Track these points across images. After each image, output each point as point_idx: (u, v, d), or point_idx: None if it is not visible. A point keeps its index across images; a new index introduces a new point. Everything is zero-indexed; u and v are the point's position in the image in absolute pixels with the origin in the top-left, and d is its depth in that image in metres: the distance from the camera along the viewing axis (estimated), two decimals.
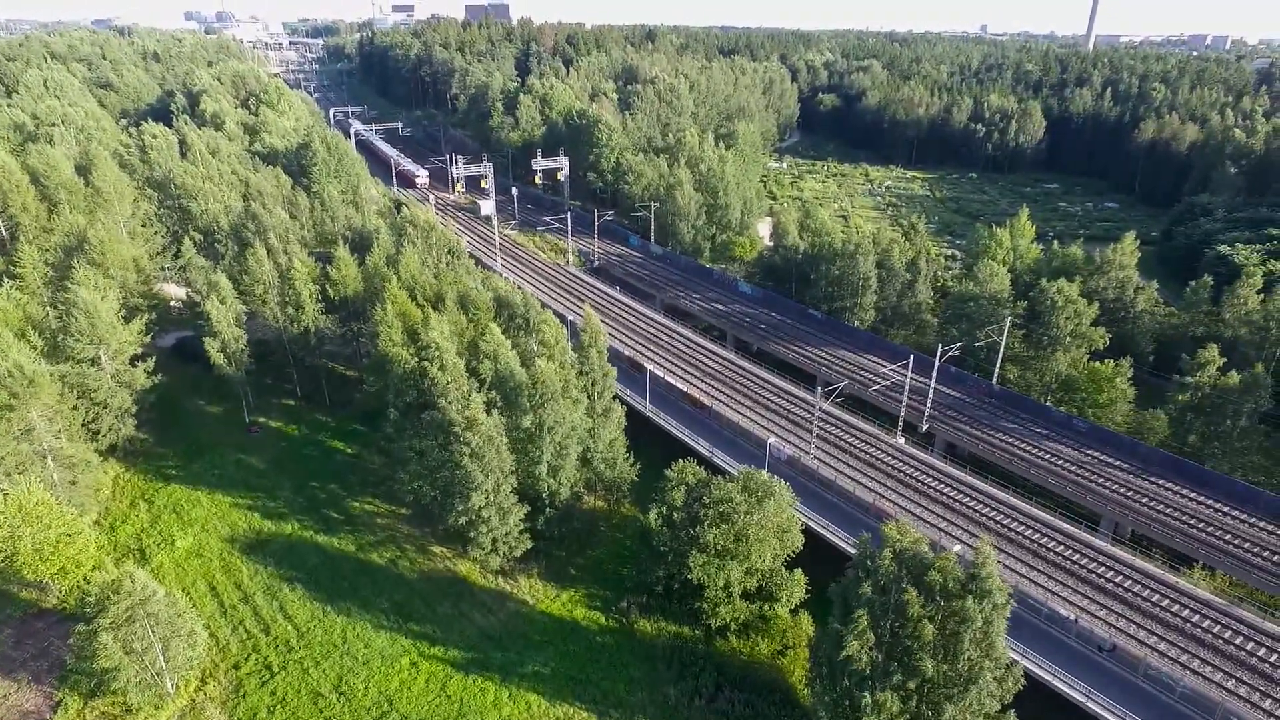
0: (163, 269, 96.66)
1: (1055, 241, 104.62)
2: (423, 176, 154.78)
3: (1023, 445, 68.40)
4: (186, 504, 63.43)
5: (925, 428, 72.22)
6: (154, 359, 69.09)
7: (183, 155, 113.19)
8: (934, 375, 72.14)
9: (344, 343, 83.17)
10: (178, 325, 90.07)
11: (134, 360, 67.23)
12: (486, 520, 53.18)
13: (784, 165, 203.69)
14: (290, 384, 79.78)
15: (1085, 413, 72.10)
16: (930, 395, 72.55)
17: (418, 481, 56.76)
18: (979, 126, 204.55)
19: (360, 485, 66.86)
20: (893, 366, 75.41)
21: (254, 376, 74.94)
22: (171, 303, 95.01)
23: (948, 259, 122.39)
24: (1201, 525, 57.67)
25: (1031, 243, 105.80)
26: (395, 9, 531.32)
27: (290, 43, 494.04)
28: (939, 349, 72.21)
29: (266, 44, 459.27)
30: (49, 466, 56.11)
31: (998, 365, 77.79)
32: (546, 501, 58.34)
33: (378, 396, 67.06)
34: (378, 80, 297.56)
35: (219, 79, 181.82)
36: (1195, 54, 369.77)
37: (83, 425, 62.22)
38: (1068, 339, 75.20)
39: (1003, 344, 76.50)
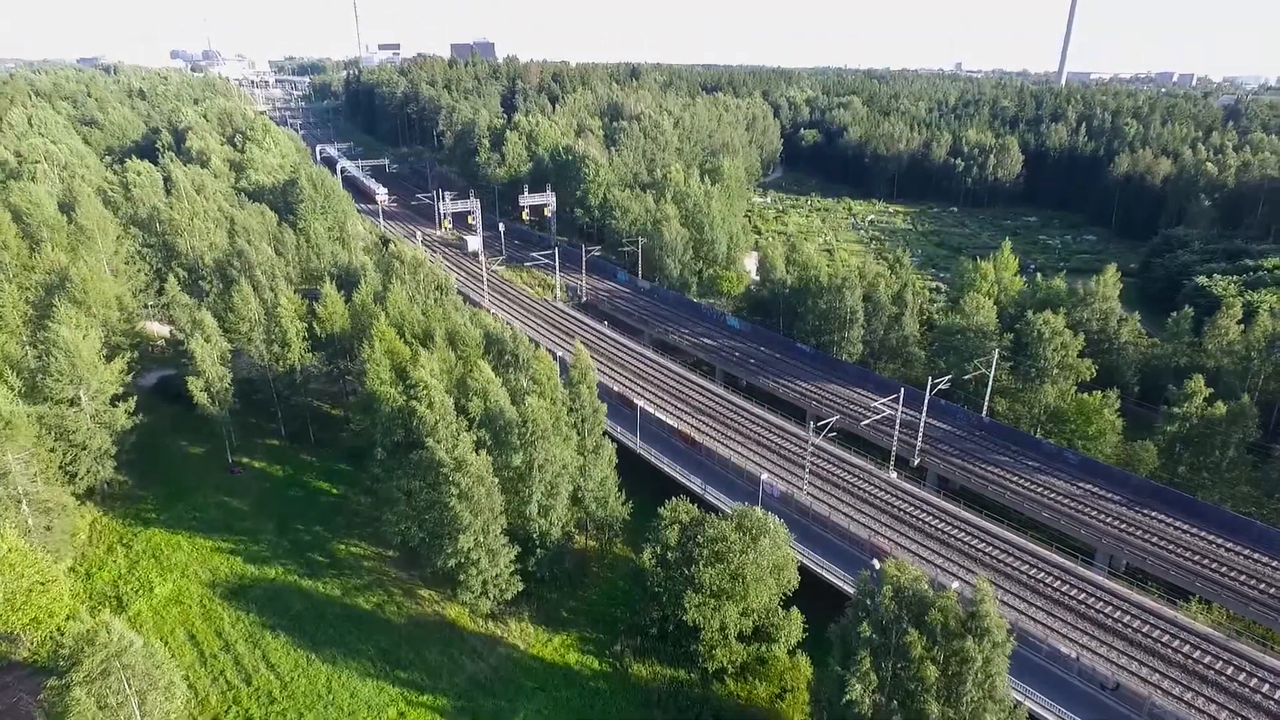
0: (145, 306, 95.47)
1: (1039, 274, 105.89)
2: (382, 193, 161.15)
3: (1015, 478, 68.24)
4: (166, 548, 61.74)
5: (918, 461, 72.00)
6: (135, 399, 67.68)
7: (167, 192, 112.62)
8: (924, 408, 72.14)
9: (330, 381, 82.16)
10: (160, 364, 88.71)
11: (115, 400, 65.85)
12: (476, 562, 52.03)
13: (768, 200, 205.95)
14: (274, 423, 78.48)
15: (1075, 444, 72.22)
16: (921, 429, 72.48)
17: (405, 523, 55.64)
18: (958, 161, 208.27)
19: (346, 527, 65.46)
20: (883, 400, 75.40)
21: (238, 416, 73.68)
22: (155, 341, 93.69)
23: (933, 292, 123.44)
24: (1196, 557, 57.49)
25: (1014, 275, 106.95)
26: (381, 47, 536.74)
27: (276, 80, 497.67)
28: (928, 382, 72.31)
29: (253, 81, 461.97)
30: (23, 511, 54.51)
31: (987, 397, 77.99)
32: (537, 542, 57.25)
33: (364, 435, 66.01)
34: (364, 117, 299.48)
35: (205, 116, 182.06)
36: (1164, 90, 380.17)
37: (60, 468, 60.67)
38: (1055, 371, 75.58)
39: (991, 376, 76.81)
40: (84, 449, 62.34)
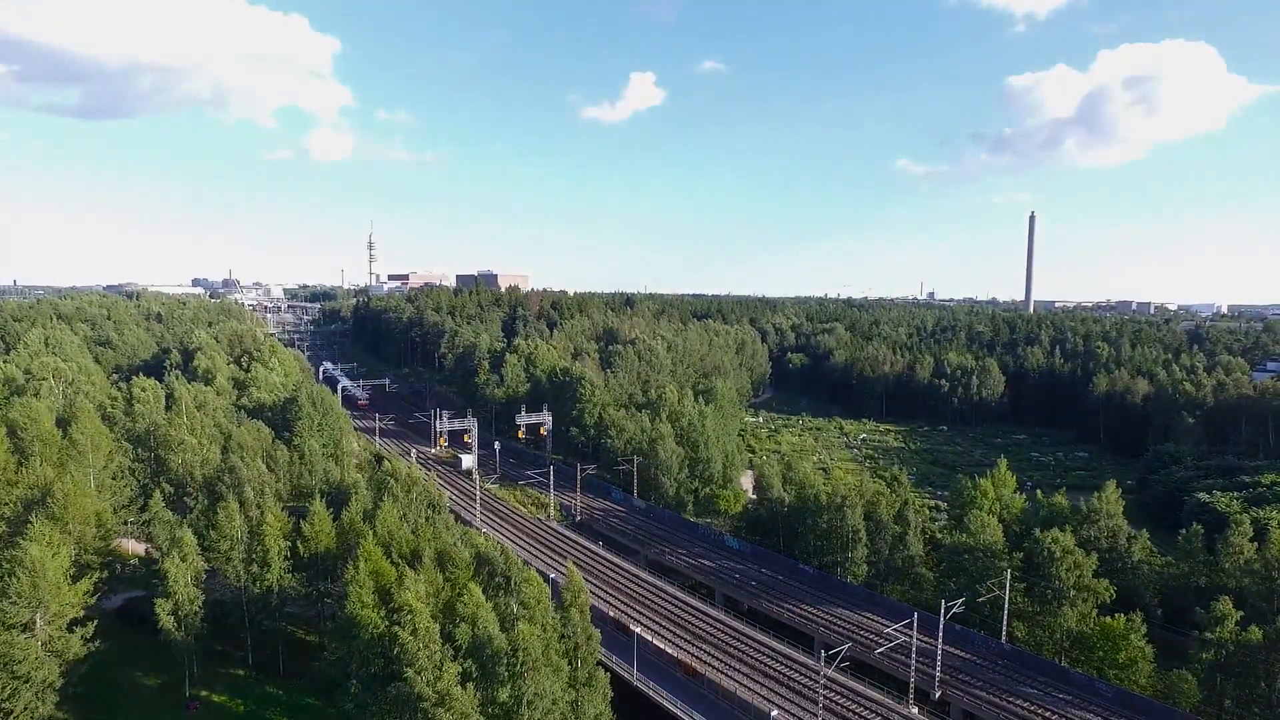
0: (125, 523, 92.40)
1: (1039, 491, 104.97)
2: (364, 398, 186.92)
3: (1048, 714, 62.35)
4: None
5: (938, 695, 66.16)
6: (95, 623, 62.95)
7: (168, 408, 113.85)
8: (940, 635, 67.64)
9: (308, 603, 77.40)
10: (129, 585, 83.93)
11: (73, 625, 61.21)
12: None
13: (760, 420, 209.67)
14: (242, 650, 72.62)
15: (1106, 674, 66.97)
16: (939, 657, 67.45)
17: None
18: (943, 382, 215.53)
19: None
20: (895, 626, 70.88)
21: (203, 642, 68.17)
22: (129, 559, 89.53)
23: (932, 510, 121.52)
24: None
25: (1014, 492, 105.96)
26: (391, 277, 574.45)
27: (289, 306, 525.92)
28: (941, 605, 68.47)
29: (266, 307, 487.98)
30: None
31: (1004, 621, 73.63)
32: None
33: (339, 665, 60.70)
34: (370, 339, 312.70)
35: (216, 338, 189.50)
36: (1127, 317, 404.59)
37: None
38: (1072, 592, 72.18)
39: (1006, 599, 73.07)
40: (26, 682, 56.72)
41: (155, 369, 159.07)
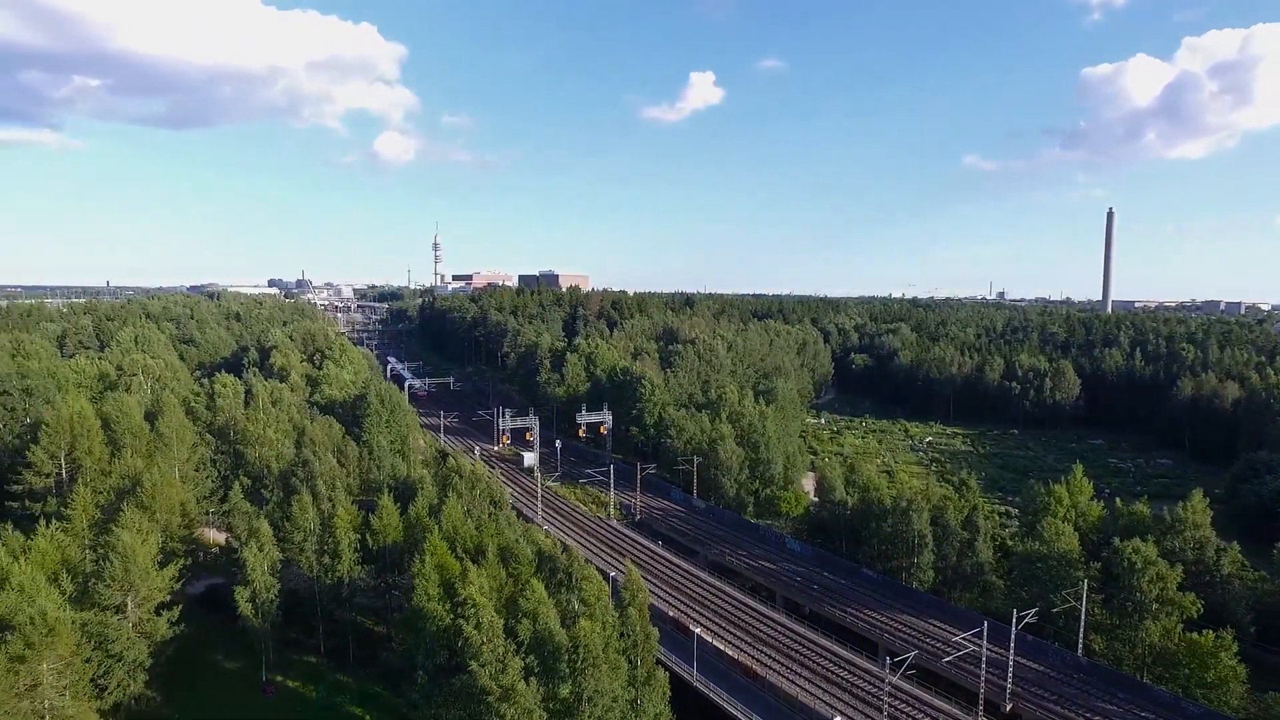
0: (207, 513, 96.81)
1: (1117, 499, 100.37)
2: (423, 391, 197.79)
3: None
4: None
5: (1009, 707, 63.97)
6: (180, 607, 66.23)
7: (246, 404, 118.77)
8: (1011, 645, 65.33)
9: (376, 595, 79.72)
10: (211, 572, 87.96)
11: (160, 608, 64.50)
12: None
13: (822, 421, 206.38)
14: (314, 638, 75.30)
15: (1194, 693, 63.53)
16: (1010, 668, 65.17)
17: None
18: (1014, 384, 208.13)
19: None
20: (964, 634, 68.84)
21: (278, 629, 71.06)
22: (210, 548, 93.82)
23: (1002, 516, 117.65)
24: None
25: (1091, 499, 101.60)
26: (455, 278, 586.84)
27: (358, 305, 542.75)
28: (1013, 614, 66.12)
29: (337, 306, 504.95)
30: None
31: (1080, 634, 70.69)
32: None
33: (406, 656, 62.30)
34: (435, 339, 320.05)
35: (290, 336, 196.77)
36: (1214, 318, 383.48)
37: (91, 680, 58.12)
38: (1154, 605, 68.81)
39: (1083, 610, 70.11)
40: (119, 660, 60.04)
41: (234, 366, 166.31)
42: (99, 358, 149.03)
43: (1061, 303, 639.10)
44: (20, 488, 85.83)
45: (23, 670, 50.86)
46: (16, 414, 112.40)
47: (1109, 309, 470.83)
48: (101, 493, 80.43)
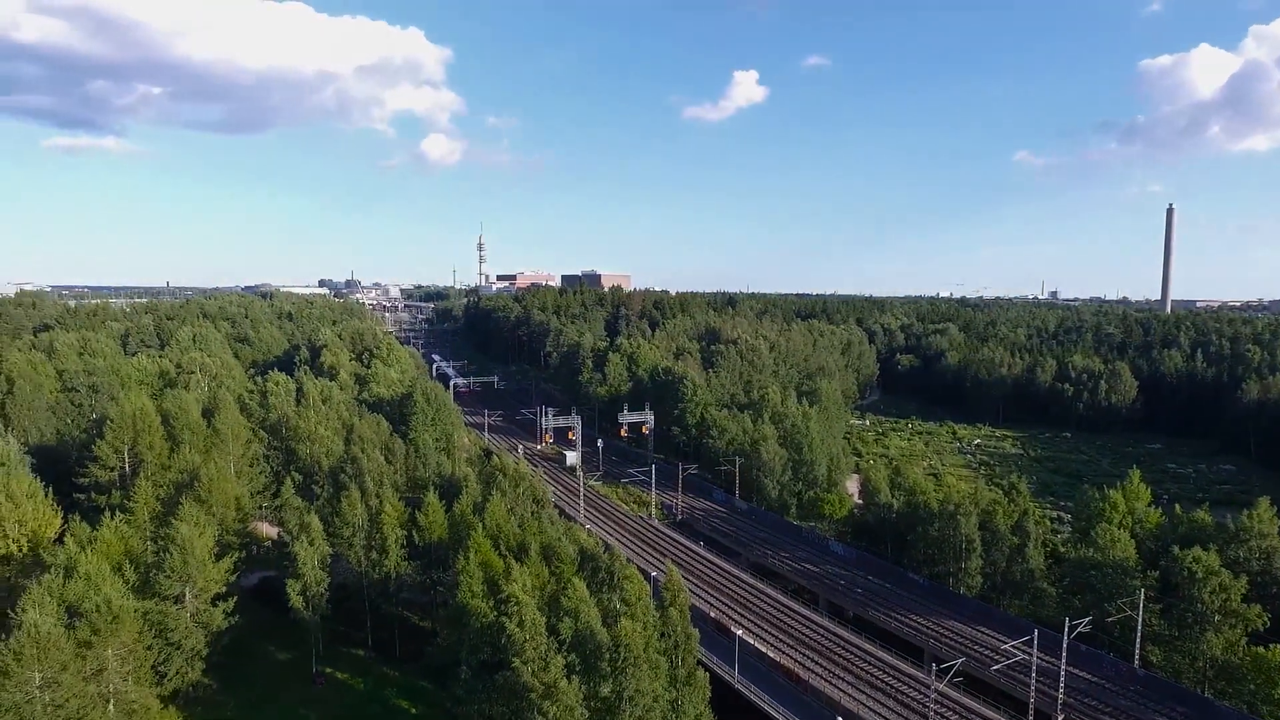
0: (260, 508, 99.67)
1: (1177, 506, 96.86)
2: (463, 385, 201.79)
3: None
4: None
5: (1060, 718, 62.23)
6: (235, 599, 68.39)
7: (298, 402, 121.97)
8: (1063, 654, 63.55)
9: (422, 590, 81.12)
10: (264, 565, 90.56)
11: (216, 599, 66.69)
12: None
13: (866, 423, 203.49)
14: (362, 632, 77.02)
15: (1260, 710, 61.00)
16: (1062, 678, 63.39)
17: None
18: (1067, 386, 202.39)
19: None
20: (1013, 642, 67.12)
21: (327, 622, 72.83)
22: (263, 541, 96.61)
23: (1054, 522, 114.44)
24: None
25: (1149, 506, 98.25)
26: (499, 278, 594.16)
27: (405, 305, 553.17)
28: (1065, 623, 64.32)
29: (384, 306, 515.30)
30: (109, 712, 53.70)
31: (1137, 645, 68.43)
32: None
33: (450, 651, 63.31)
34: (479, 338, 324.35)
35: (340, 335, 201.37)
36: None
37: (152, 667, 60.41)
38: (1217, 617, 66.27)
39: (1140, 620, 67.87)
40: (178, 649, 62.30)
41: (286, 364, 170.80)
42: (159, 356, 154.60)
43: (1118, 302, 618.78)
44: (87, 480, 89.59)
45: (89, 655, 53.13)
46: (83, 410, 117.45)
47: (1168, 309, 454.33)
48: (162, 486, 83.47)
